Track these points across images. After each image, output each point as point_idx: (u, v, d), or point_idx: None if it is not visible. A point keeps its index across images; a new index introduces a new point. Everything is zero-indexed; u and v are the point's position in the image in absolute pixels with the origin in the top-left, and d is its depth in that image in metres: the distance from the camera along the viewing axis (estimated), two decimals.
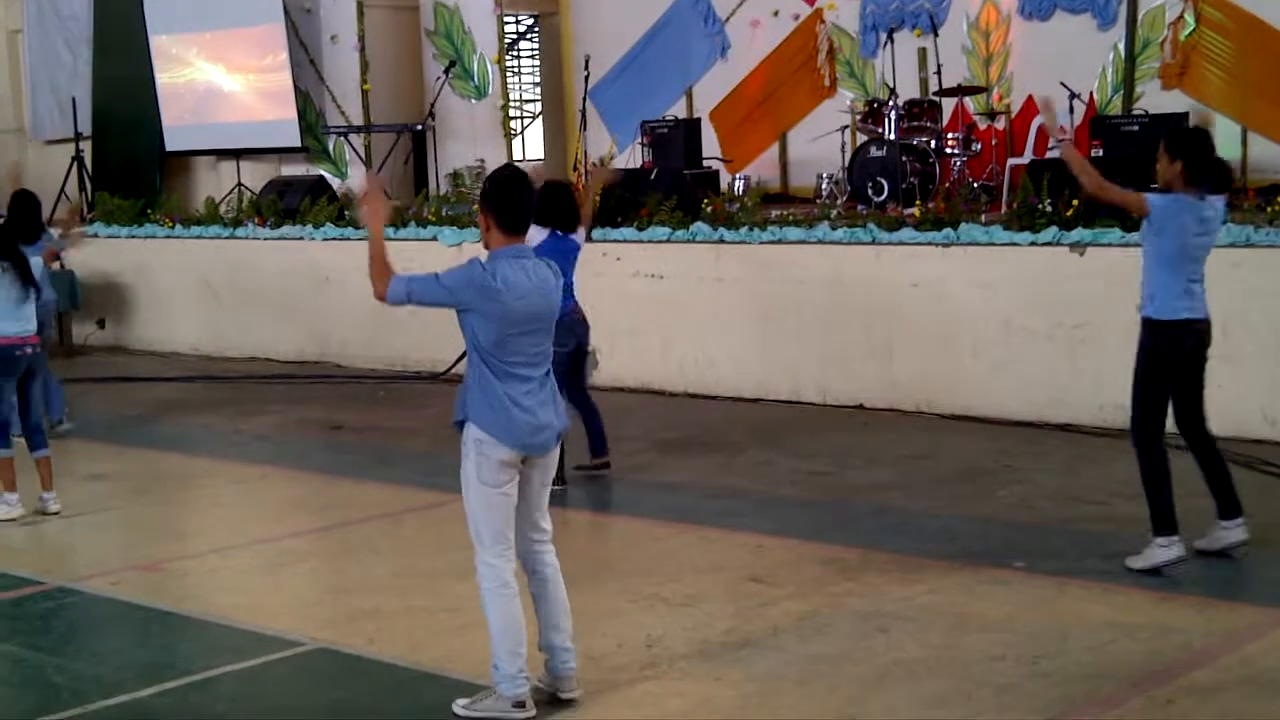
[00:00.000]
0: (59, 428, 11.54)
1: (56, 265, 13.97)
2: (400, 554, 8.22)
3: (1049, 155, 12.86)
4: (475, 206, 5.74)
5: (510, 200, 5.77)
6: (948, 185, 13.47)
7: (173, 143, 19.23)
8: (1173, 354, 7.34)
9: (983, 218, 11.78)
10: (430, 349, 14.05)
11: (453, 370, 13.61)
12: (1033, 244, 11.03)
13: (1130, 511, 8.29)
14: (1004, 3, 14.74)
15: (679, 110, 16.72)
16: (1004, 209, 12.28)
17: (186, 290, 16.77)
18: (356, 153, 17.93)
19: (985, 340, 11.21)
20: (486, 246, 5.79)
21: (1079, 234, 10.82)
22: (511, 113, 18.26)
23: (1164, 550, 7.29)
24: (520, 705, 5.72)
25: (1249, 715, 5.52)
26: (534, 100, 19.59)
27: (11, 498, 9.27)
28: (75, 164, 19.25)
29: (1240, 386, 10.00)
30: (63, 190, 18.75)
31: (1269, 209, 10.40)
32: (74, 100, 19.65)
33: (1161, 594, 6.99)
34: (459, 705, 5.79)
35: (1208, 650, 6.25)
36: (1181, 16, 13.61)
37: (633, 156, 16.18)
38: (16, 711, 6.11)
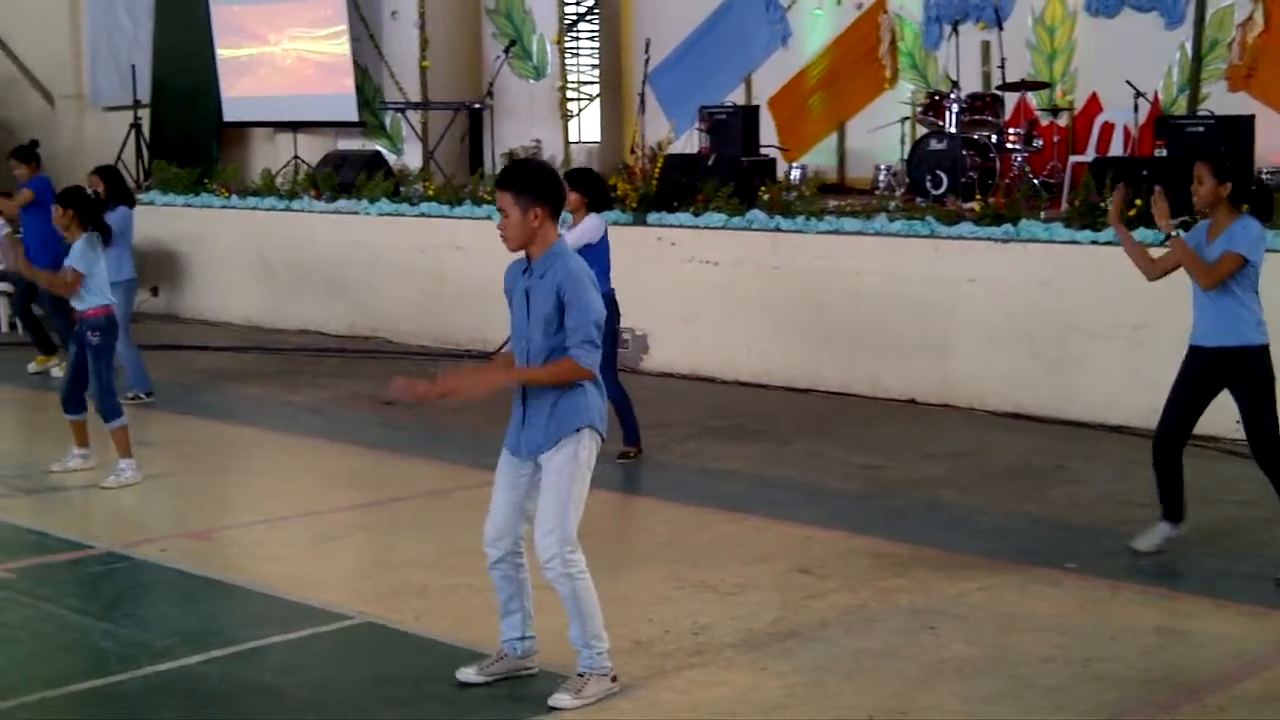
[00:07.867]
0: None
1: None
2: (448, 531, 8.22)
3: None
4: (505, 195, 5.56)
5: (563, 193, 5.81)
6: (1008, 181, 13.38)
7: (230, 113, 19.30)
8: None
9: (1043, 215, 11.67)
10: (481, 328, 14.03)
11: (502, 350, 13.57)
12: (1094, 243, 10.91)
13: None
14: None
15: (738, 97, 16.65)
16: (1065, 206, 12.15)
17: (240, 261, 16.82)
18: (414, 129, 17.96)
19: (1042, 339, 11.10)
20: (533, 241, 5.65)
21: (1142, 235, 10.69)
22: (569, 94, 18.22)
23: None
24: (615, 679, 5.80)
25: None
26: (592, 82, 19.49)
27: (127, 463, 9.41)
28: (133, 131, 19.36)
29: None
30: (119, 157, 18.84)
31: None
32: (133, 68, 19.74)
33: (1216, 600, 6.90)
34: (564, 701, 5.64)
35: (1262, 659, 6.17)
36: (1251, 17, 13.47)
37: (690, 142, 16.14)
38: (65, 675, 6.14)
